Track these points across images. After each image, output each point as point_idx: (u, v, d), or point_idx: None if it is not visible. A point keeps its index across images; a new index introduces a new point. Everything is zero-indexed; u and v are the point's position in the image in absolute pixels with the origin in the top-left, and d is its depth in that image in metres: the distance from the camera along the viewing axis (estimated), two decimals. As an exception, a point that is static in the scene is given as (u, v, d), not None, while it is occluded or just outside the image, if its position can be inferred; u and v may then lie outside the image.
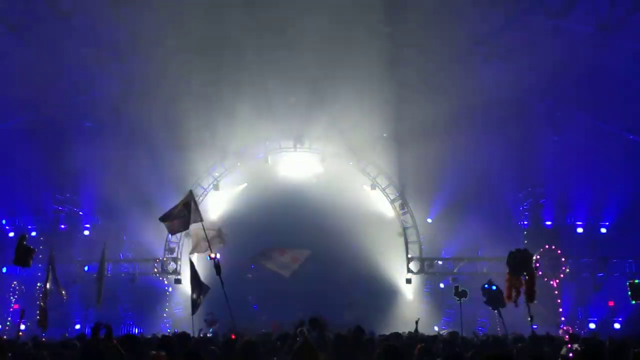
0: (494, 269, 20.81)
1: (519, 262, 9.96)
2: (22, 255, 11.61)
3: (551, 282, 21.22)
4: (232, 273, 14.75)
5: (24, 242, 11.60)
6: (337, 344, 6.13)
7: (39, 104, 21.00)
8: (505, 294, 10.30)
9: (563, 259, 21.43)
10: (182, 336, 9.32)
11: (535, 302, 9.95)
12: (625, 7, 15.71)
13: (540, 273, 20.93)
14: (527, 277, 9.90)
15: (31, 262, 11.86)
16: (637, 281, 19.40)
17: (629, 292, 18.87)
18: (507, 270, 10.22)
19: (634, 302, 18.84)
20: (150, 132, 21.10)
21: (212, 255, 11.46)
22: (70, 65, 17.98)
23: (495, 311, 12.69)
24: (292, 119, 22.06)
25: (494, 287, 13.08)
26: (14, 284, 22.84)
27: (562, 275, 21.30)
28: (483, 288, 13.28)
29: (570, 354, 8.06)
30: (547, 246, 21.43)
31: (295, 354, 4.93)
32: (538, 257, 14.03)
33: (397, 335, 12.34)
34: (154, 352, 6.74)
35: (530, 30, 17.39)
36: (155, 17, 17.34)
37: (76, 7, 16.66)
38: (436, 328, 20.63)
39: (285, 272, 17.04)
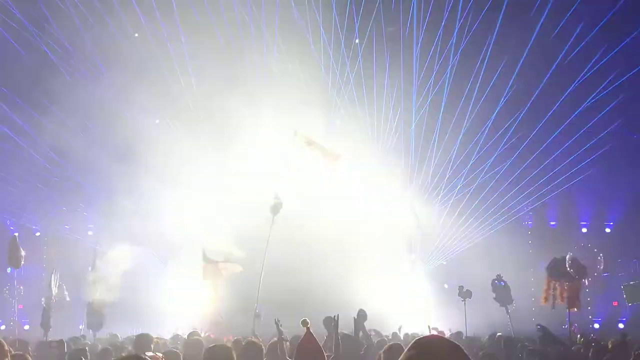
0: (498, 270, 20.76)
1: (559, 268, 10.00)
2: (14, 256, 11.65)
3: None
4: (238, 281, 14.70)
5: (16, 243, 11.66)
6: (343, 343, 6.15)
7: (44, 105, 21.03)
8: (542, 296, 10.35)
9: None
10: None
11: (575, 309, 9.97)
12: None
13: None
14: (567, 283, 9.95)
15: (21, 263, 11.87)
16: (631, 283, 19.35)
17: (624, 295, 18.80)
18: (546, 275, 10.29)
19: (629, 304, 18.78)
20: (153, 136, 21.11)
21: None
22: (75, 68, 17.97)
23: (503, 308, 12.68)
24: (296, 120, 21.99)
25: (502, 283, 13.06)
26: (19, 286, 22.83)
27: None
28: (493, 283, 13.28)
29: None
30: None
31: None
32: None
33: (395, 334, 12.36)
34: (149, 354, 6.76)
35: (530, 30, 17.38)
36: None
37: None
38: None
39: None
